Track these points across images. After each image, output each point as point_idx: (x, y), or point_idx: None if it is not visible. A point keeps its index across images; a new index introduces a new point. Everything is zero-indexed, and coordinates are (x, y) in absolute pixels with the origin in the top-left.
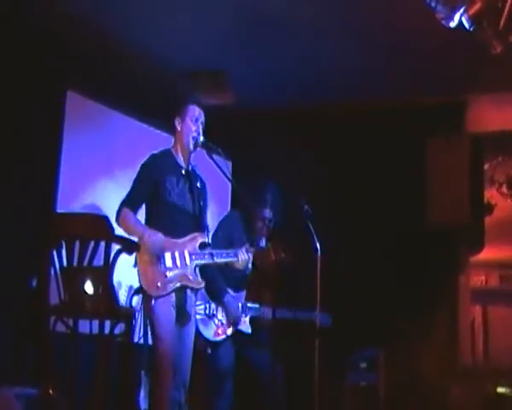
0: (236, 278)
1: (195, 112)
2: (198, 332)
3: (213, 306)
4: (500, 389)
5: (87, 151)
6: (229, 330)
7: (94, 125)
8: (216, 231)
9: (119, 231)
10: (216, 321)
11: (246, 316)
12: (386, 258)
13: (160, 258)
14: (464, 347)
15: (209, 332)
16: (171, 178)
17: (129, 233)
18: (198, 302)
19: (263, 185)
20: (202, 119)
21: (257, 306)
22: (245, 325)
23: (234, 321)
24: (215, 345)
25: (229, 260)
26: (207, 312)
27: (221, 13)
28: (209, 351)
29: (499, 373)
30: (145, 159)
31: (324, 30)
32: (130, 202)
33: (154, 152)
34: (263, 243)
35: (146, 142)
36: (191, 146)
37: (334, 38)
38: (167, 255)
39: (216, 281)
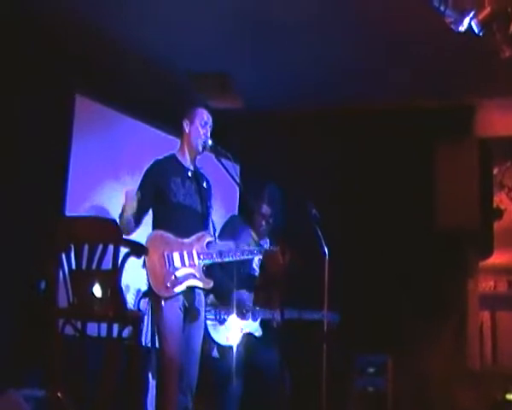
0: (244, 281)
1: (205, 116)
2: (209, 337)
3: (223, 311)
4: (509, 396)
5: (95, 154)
6: (240, 336)
7: (102, 129)
8: (220, 235)
9: None
10: (227, 325)
11: (256, 320)
12: (395, 262)
13: (168, 258)
14: (473, 352)
15: (220, 337)
16: (176, 179)
17: (123, 223)
18: (208, 308)
19: (262, 184)
20: (210, 122)
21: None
22: (255, 328)
23: (245, 312)
24: (224, 349)
25: (238, 258)
26: (218, 318)
27: (228, 17)
28: (215, 354)
29: (508, 379)
30: (148, 165)
31: (333, 32)
32: None
33: (157, 158)
34: (266, 242)
35: (154, 145)
36: (200, 149)
37: (343, 39)
38: (176, 255)
39: (223, 283)
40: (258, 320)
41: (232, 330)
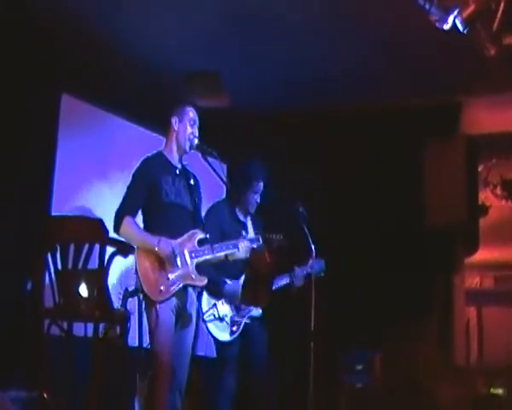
0: (231, 268)
1: (193, 114)
2: (212, 338)
3: (221, 307)
4: (494, 390)
5: (82, 154)
6: (242, 324)
7: (88, 128)
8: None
9: (113, 233)
10: (228, 320)
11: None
12: (382, 259)
13: (160, 261)
14: (459, 348)
15: (225, 335)
16: (167, 177)
17: (134, 243)
18: (205, 309)
19: (246, 164)
20: (197, 121)
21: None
22: (255, 309)
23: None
24: (225, 345)
25: (229, 251)
26: (216, 315)
27: (217, 15)
28: (212, 353)
29: (493, 374)
30: (138, 164)
31: (321, 32)
32: (130, 210)
33: (146, 156)
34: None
35: (141, 144)
36: (187, 148)
37: (331, 39)
38: (167, 258)
39: (211, 275)
40: None
41: (236, 323)
